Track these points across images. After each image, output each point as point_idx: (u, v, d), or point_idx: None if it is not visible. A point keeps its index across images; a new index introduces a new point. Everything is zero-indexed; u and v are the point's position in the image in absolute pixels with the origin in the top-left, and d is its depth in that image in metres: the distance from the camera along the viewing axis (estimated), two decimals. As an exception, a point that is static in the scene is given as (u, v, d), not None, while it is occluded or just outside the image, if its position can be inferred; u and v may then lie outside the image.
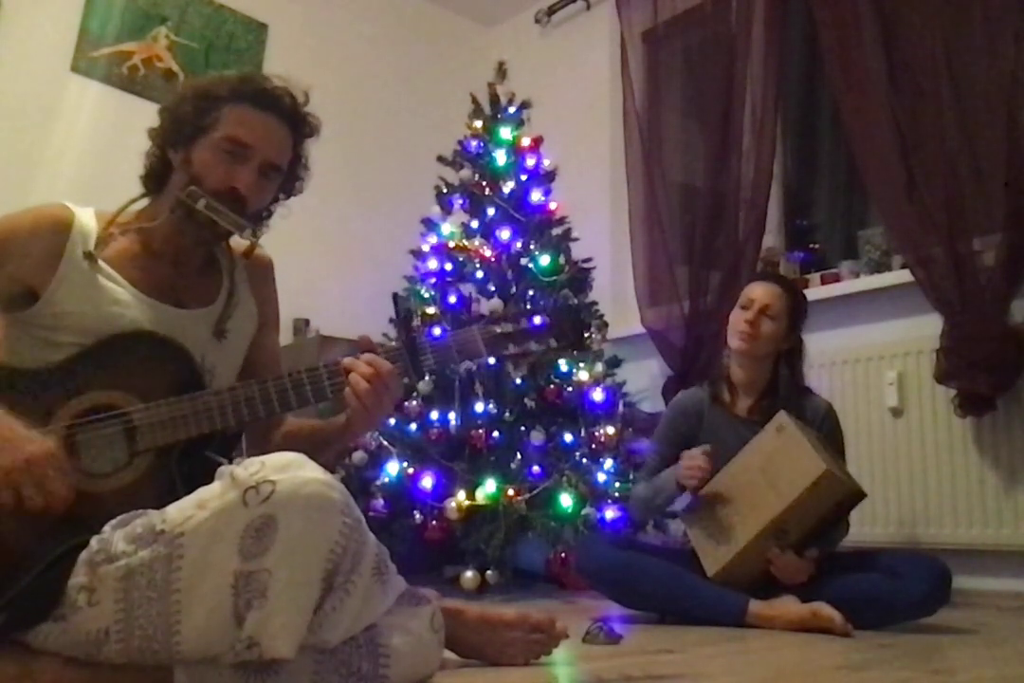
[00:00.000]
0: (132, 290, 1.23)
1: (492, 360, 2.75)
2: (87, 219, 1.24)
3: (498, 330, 1.22)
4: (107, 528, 1.03)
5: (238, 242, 1.33)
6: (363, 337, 1.21)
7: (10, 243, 1.19)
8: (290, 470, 0.99)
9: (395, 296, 1.21)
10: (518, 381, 2.88)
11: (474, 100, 3.40)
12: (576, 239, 3.22)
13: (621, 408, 2.99)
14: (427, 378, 2.88)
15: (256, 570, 0.95)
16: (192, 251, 1.29)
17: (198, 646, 0.97)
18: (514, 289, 3.09)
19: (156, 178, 1.31)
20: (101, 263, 1.21)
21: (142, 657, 0.98)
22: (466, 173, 3.28)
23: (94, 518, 1.04)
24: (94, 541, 1.02)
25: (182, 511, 1.00)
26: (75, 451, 1.09)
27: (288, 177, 1.34)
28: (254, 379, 1.17)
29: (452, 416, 2.83)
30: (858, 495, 1.98)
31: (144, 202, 1.32)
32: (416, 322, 2.98)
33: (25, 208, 1.24)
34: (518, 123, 3.33)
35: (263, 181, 1.27)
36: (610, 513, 2.72)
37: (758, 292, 2.22)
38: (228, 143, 1.23)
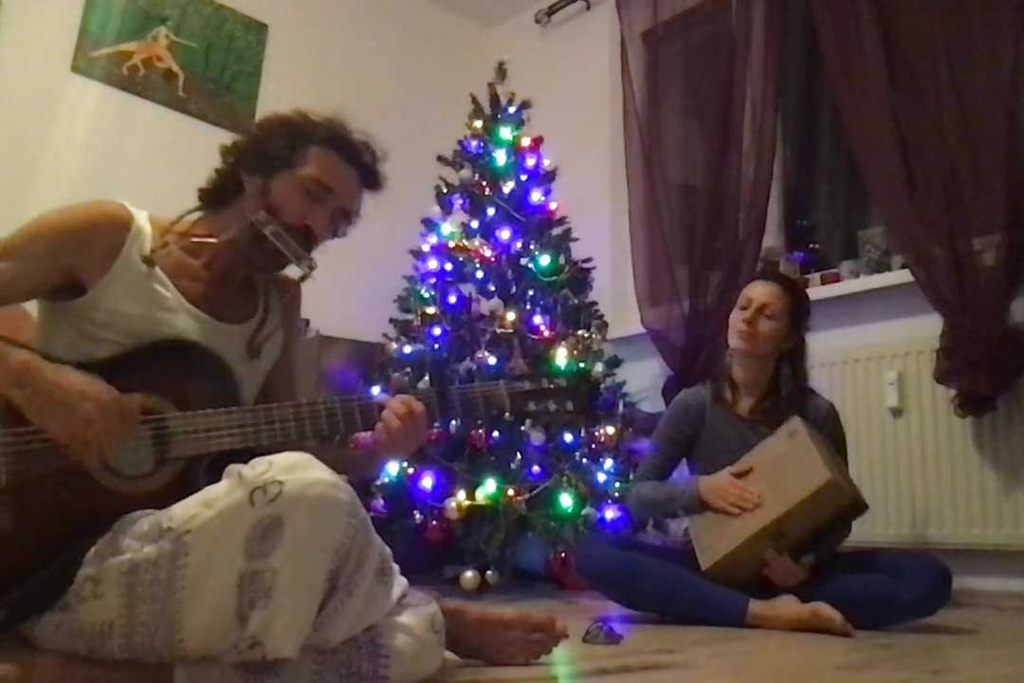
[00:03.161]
0: (181, 298, 1.25)
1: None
2: (143, 222, 1.26)
3: (525, 387, 1.31)
4: (117, 525, 1.04)
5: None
6: (397, 381, 1.27)
7: (70, 234, 1.20)
8: (297, 471, 0.99)
9: (431, 366, 1.27)
10: (518, 381, 2.87)
11: (474, 100, 3.40)
12: (576, 239, 3.23)
13: (621, 408, 2.99)
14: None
15: (261, 570, 0.95)
16: (242, 271, 1.32)
17: (201, 644, 0.97)
18: (514, 289, 3.09)
19: (219, 194, 1.33)
20: (157, 269, 1.23)
21: (144, 653, 0.99)
22: (466, 173, 3.29)
23: (116, 519, 1.05)
24: (106, 535, 1.03)
25: (188, 509, 1.01)
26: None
27: None
28: (289, 402, 1.19)
29: (452, 416, 2.82)
30: (860, 507, 1.98)
31: (196, 215, 1.33)
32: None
33: (86, 202, 1.25)
34: (518, 123, 3.33)
35: (333, 225, 1.33)
36: (610, 513, 2.72)
37: (757, 291, 2.22)
38: (312, 183, 1.28)
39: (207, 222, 1.31)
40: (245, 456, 1.14)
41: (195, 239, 1.28)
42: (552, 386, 1.31)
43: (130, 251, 1.22)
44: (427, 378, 2.76)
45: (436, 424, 1.28)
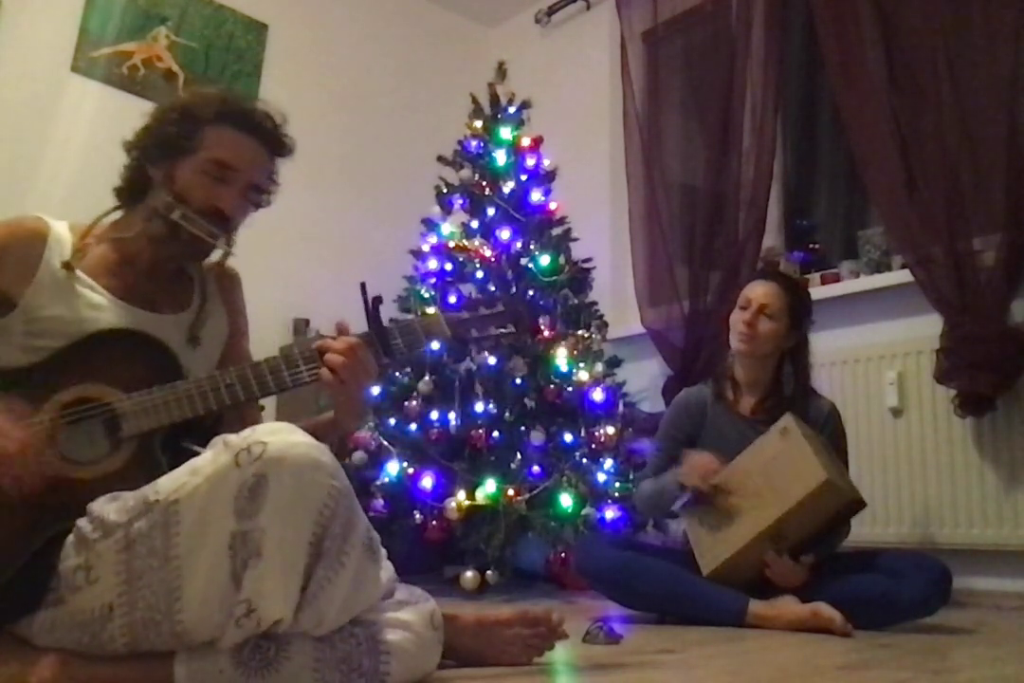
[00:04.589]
0: (109, 296, 1.26)
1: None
2: (61, 230, 1.28)
3: (463, 315, 1.29)
4: (92, 508, 1.05)
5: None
6: (339, 322, 1.24)
7: None
8: (281, 434, 1.03)
9: (363, 285, 1.24)
10: (518, 381, 2.87)
11: (474, 100, 3.40)
12: (576, 239, 3.22)
13: (621, 408, 2.98)
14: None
15: (251, 530, 0.97)
16: (166, 262, 1.32)
17: (200, 615, 0.98)
18: (514, 289, 3.08)
19: (132, 192, 1.33)
20: (78, 272, 1.24)
21: (145, 633, 0.99)
22: (466, 173, 3.28)
23: (80, 505, 1.06)
24: (82, 522, 1.04)
25: (175, 480, 1.03)
26: (61, 440, 1.11)
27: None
28: (232, 366, 1.20)
29: (452, 416, 2.83)
30: (858, 504, 1.98)
31: (116, 214, 1.34)
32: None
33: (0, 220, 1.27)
34: (518, 123, 3.33)
35: (245, 201, 1.31)
36: (610, 513, 2.72)
37: (756, 292, 2.22)
38: (213, 165, 1.27)
39: (126, 220, 1.33)
40: (199, 432, 1.16)
41: (112, 237, 1.29)
42: (490, 312, 1.29)
43: (50, 259, 1.23)
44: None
45: (385, 361, 1.24)
